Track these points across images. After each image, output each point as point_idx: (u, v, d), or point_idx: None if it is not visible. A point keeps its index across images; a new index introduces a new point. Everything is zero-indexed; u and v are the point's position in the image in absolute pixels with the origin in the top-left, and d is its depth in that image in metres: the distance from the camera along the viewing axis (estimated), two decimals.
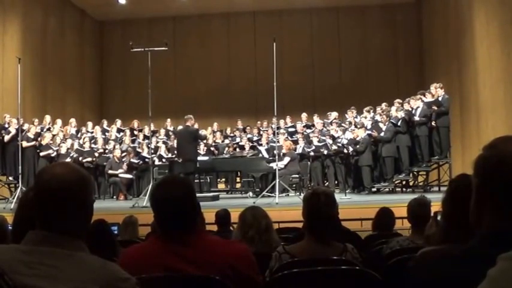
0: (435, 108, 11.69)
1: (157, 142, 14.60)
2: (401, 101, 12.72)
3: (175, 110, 17.81)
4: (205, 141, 14.13)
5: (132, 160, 13.86)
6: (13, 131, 13.13)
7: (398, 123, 11.93)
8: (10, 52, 14.94)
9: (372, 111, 13.37)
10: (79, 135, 14.77)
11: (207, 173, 13.94)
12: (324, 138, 13.54)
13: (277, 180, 10.48)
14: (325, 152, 13.24)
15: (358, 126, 12.68)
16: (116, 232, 5.03)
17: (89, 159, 13.71)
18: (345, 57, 19.31)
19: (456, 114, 13.98)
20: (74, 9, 18.92)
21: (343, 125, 13.90)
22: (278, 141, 12.41)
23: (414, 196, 4.51)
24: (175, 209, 2.24)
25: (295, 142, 13.75)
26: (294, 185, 12.77)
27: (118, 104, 19.71)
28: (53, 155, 13.29)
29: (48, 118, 14.68)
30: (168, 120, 16.29)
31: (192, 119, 11.62)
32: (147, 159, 13.01)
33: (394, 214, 5.38)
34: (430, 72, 17.77)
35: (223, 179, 15.55)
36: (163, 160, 13.89)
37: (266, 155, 12.98)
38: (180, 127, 13.78)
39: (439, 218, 2.56)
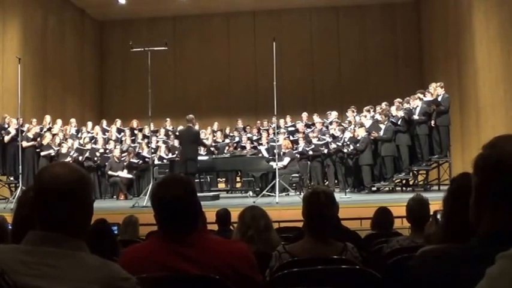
0: (434, 107, 11.70)
1: (158, 142, 14.61)
2: (401, 100, 12.73)
3: (175, 110, 17.82)
4: (206, 138, 14.18)
5: (132, 160, 13.86)
6: (13, 131, 13.14)
7: (399, 122, 11.94)
8: (10, 52, 14.94)
9: (372, 110, 13.37)
10: (79, 135, 14.78)
11: (207, 173, 13.94)
12: (323, 137, 13.55)
13: (277, 179, 10.48)
14: (325, 151, 13.26)
15: (358, 125, 12.68)
16: (115, 232, 5.02)
17: (90, 157, 13.71)
18: (345, 57, 19.32)
19: (456, 113, 13.97)
20: (74, 9, 18.92)
21: (343, 124, 13.91)
22: (278, 141, 12.42)
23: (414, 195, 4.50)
24: (176, 209, 2.24)
25: (296, 142, 13.77)
26: (294, 185, 12.77)
27: (118, 104, 19.72)
28: (53, 155, 13.30)
29: (48, 118, 14.68)
30: (168, 120, 16.29)
31: (194, 119, 11.63)
32: (147, 159, 13.02)
33: (392, 213, 5.38)
34: (429, 71, 17.77)
35: (224, 179, 15.54)
36: (164, 161, 13.90)
37: (266, 155, 12.98)
38: (180, 127, 13.79)
39: (439, 217, 2.56)
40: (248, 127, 16.21)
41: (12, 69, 13.27)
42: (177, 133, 12.72)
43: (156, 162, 13.52)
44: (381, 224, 5.21)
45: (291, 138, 13.99)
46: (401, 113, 12.10)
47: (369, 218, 5.83)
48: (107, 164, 13.70)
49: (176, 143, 13.99)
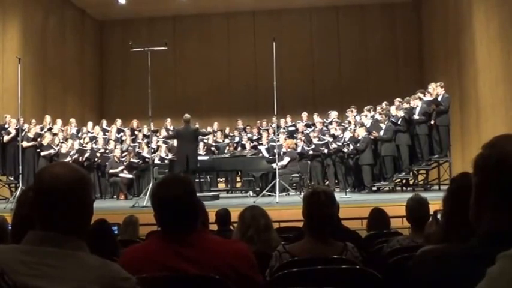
0: (434, 107, 11.71)
1: (158, 142, 14.62)
2: (401, 100, 12.74)
3: (175, 109, 17.78)
4: (206, 138, 14.23)
5: (132, 160, 13.86)
6: (13, 132, 13.15)
7: (399, 122, 11.95)
8: (10, 52, 14.94)
9: (372, 110, 13.38)
10: (79, 135, 14.78)
11: (207, 173, 13.94)
12: (324, 137, 13.55)
13: (277, 179, 10.48)
14: (325, 151, 13.26)
15: (358, 125, 12.69)
16: (115, 232, 5.02)
17: (90, 158, 13.71)
18: (345, 57, 19.32)
19: (456, 112, 13.98)
20: (74, 9, 18.91)
21: (343, 124, 13.92)
22: (278, 141, 12.42)
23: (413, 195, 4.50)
24: (176, 209, 2.24)
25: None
26: (294, 184, 12.77)
27: (118, 104, 19.71)
28: (53, 155, 13.29)
29: (48, 118, 14.69)
30: (168, 120, 16.29)
31: (190, 119, 11.74)
32: (147, 159, 13.02)
33: (387, 213, 5.38)
34: (429, 71, 17.77)
35: (224, 179, 15.54)
36: (166, 161, 13.89)
37: (266, 155, 12.98)
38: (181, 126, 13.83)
39: (439, 216, 2.56)
40: (248, 127, 16.21)
41: (12, 69, 13.26)
42: (175, 132, 12.72)
43: (157, 162, 13.53)
44: (376, 224, 5.21)
45: (291, 138, 13.97)
46: (401, 113, 12.11)
47: None
48: (107, 163, 13.70)
49: (176, 143, 14.00)
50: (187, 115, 11.63)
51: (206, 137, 14.40)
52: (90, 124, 15.54)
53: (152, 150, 13.44)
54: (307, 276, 2.63)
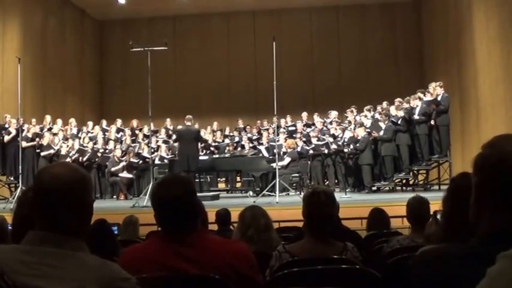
0: (434, 107, 11.71)
1: (157, 142, 14.61)
2: (401, 100, 12.74)
3: (175, 109, 17.81)
4: (203, 143, 14.28)
5: (132, 160, 13.85)
6: (13, 131, 13.15)
7: (399, 122, 11.95)
8: (10, 52, 14.93)
9: (372, 110, 13.38)
10: (79, 135, 14.77)
11: (207, 173, 13.94)
12: (323, 137, 13.55)
13: (277, 179, 10.48)
14: (326, 151, 13.26)
15: (358, 125, 12.68)
16: (115, 232, 5.02)
17: (90, 158, 13.70)
18: (345, 56, 19.32)
19: (456, 112, 13.98)
20: (74, 9, 18.92)
21: (342, 124, 13.91)
22: (278, 141, 12.42)
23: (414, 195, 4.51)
24: (176, 208, 2.24)
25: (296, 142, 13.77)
26: (294, 184, 12.77)
27: (118, 104, 19.71)
28: (53, 155, 13.29)
29: (48, 118, 14.70)
30: (168, 120, 16.29)
31: (193, 120, 11.80)
32: (147, 159, 13.02)
33: (387, 213, 5.39)
34: (430, 71, 17.78)
35: (224, 179, 15.54)
36: (165, 160, 13.90)
37: (266, 155, 12.99)
38: (179, 127, 13.85)
39: (439, 216, 2.56)
40: (248, 127, 16.21)
41: (12, 69, 13.26)
42: (176, 132, 12.77)
43: (157, 162, 13.53)
44: (376, 224, 5.21)
45: (291, 138, 13.97)
46: (401, 113, 12.11)
47: None
48: (107, 163, 13.70)
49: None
50: (189, 116, 11.72)
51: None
52: (90, 124, 15.54)
53: (152, 150, 13.42)
54: (307, 276, 2.63)
